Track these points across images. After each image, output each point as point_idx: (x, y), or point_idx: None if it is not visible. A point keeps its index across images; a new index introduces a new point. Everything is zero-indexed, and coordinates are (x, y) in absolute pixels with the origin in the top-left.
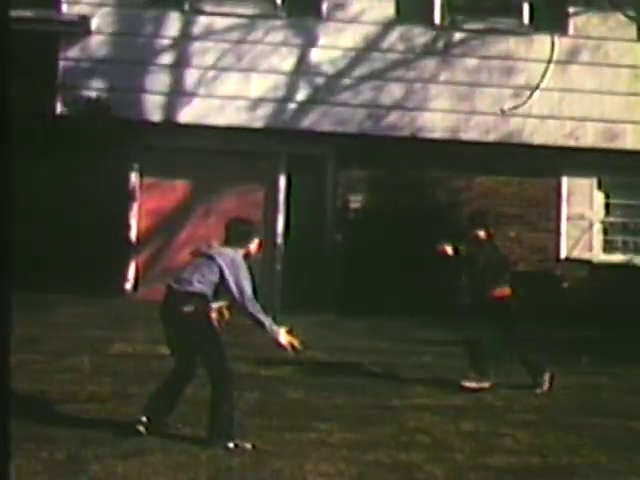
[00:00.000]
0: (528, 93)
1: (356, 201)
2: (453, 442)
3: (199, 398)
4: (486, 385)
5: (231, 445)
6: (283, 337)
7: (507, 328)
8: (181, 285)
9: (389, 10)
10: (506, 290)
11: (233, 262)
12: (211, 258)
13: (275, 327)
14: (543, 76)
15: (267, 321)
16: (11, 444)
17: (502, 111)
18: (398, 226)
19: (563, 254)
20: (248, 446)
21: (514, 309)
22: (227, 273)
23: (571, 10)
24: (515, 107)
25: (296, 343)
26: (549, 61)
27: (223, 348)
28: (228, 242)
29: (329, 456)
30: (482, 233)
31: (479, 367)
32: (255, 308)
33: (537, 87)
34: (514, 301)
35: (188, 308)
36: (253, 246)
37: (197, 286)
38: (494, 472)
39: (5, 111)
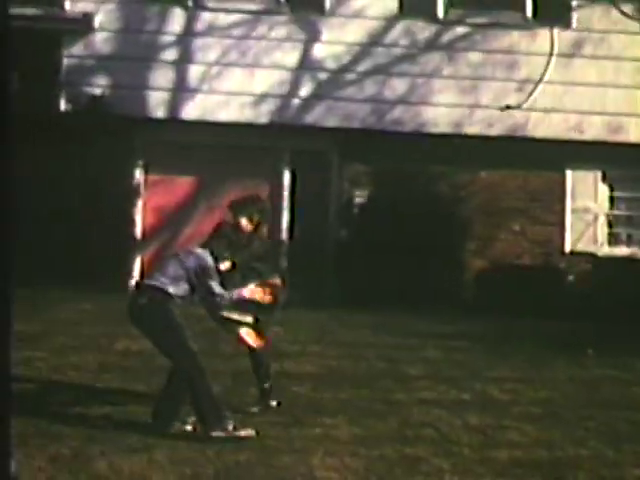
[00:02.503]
0: (531, 87)
1: (360, 196)
2: (459, 436)
3: None
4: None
5: (215, 434)
6: (245, 333)
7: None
8: (144, 280)
9: (392, 5)
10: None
11: (198, 262)
12: (177, 256)
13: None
14: (546, 70)
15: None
16: (11, 443)
17: (506, 107)
18: (402, 221)
19: (568, 247)
20: (243, 433)
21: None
22: (192, 273)
23: (574, 3)
24: (518, 105)
25: (258, 341)
26: (552, 54)
27: (183, 339)
28: (206, 244)
29: (335, 451)
30: (244, 222)
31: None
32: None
33: (540, 81)
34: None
35: (142, 300)
36: (222, 266)
37: (154, 279)
38: (500, 465)
39: (5, 111)
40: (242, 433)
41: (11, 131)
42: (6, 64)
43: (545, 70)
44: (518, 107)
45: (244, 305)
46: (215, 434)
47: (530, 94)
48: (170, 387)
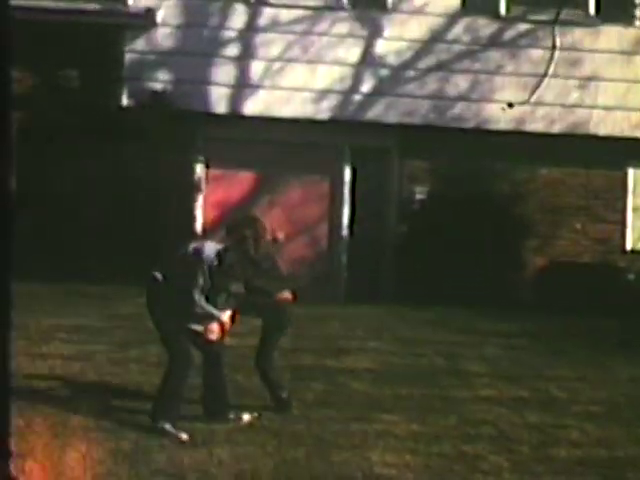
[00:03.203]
0: (594, 84)
1: (421, 192)
2: (518, 434)
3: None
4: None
5: (166, 426)
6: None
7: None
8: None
9: (454, 1)
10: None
11: (200, 253)
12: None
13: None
14: (609, 67)
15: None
16: (11, 442)
17: (508, 105)
18: (462, 217)
19: (629, 246)
20: (183, 436)
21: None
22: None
23: (638, 0)
24: (521, 102)
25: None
26: (615, 52)
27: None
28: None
29: (395, 447)
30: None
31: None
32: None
33: (603, 78)
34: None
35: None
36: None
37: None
38: (559, 464)
39: (4, 108)
40: (183, 436)
41: (8, 131)
42: (7, 64)
43: (607, 67)
44: (521, 104)
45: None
46: (160, 425)
47: (592, 91)
48: (208, 378)
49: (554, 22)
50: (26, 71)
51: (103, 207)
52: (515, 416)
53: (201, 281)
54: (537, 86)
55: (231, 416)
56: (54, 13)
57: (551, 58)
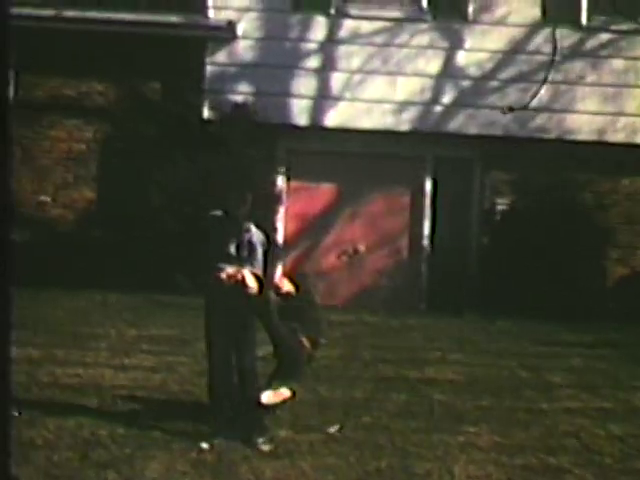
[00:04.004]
0: None
1: (502, 203)
2: (602, 445)
3: (347, 400)
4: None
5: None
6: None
7: None
8: None
9: (535, 12)
10: None
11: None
12: None
13: None
14: None
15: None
16: (11, 443)
17: (509, 109)
18: (544, 228)
19: None
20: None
21: None
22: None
23: None
24: (521, 107)
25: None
26: None
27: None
28: None
29: (478, 459)
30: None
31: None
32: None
33: None
34: None
35: None
36: None
37: None
38: None
39: (1, 109)
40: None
41: (7, 131)
42: (4, 70)
43: None
44: (522, 109)
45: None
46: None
47: None
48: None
49: (637, 32)
50: (109, 83)
51: (180, 218)
52: (599, 427)
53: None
54: (617, 96)
55: (260, 440)
56: (137, 26)
57: (632, 68)
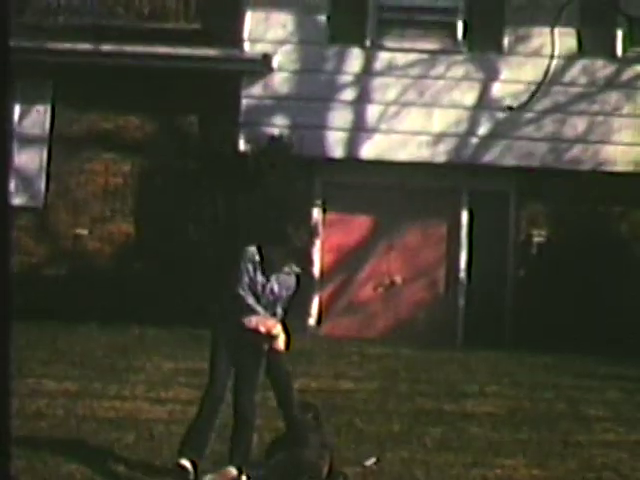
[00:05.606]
0: None
1: (539, 235)
2: None
3: (384, 433)
4: None
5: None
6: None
7: None
8: None
9: (571, 43)
10: None
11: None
12: None
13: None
14: None
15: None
16: (11, 443)
17: (508, 108)
18: (581, 260)
19: None
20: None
21: None
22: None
23: None
24: (519, 106)
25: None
26: None
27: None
28: None
29: None
30: None
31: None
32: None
33: None
34: None
35: None
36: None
37: None
38: None
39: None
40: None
41: (7, 148)
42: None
43: None
44: (519, 108)
45: None
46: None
47: None
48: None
49: None
50: (146, 117)
51: (225, 251)
52: (636, 461)
53: (246, 279)
54: None
55: None
56: (173, 59)
57: None
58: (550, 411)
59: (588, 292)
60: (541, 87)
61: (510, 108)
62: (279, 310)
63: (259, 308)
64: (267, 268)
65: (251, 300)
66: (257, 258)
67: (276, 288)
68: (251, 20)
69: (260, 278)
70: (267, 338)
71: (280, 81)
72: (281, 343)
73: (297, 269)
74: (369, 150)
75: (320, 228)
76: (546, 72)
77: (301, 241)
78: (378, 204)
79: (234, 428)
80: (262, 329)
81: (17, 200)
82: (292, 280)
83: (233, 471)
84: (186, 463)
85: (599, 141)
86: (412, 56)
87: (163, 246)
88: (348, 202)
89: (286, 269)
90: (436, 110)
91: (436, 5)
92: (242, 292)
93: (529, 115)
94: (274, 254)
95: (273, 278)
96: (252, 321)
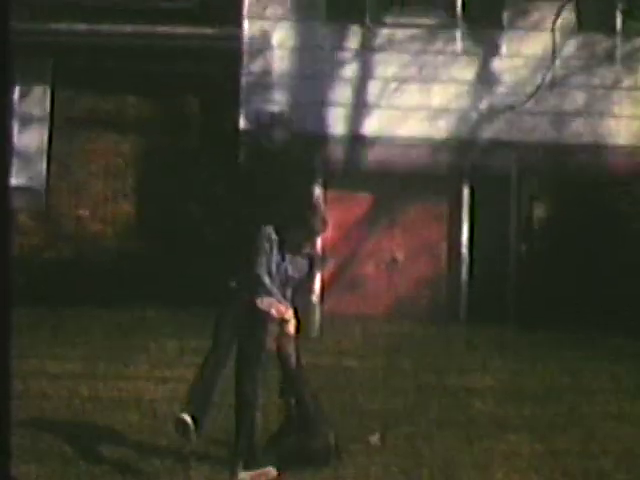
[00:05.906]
0: None
1: (540, 210)
2: None
3: (388, 409)
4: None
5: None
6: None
7: None
8: None
9: (570, 18)
10: None
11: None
12: None
13: None
14: None
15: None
16: (11, 443)
17: (509, 107)
18: (583, 235)
19: None
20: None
21: None
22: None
23: None
24: (519, 105)
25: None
26: None
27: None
28: None
29: (520, 467)
30: None
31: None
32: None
33: None
34: None
35: None
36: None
37: None
38: None
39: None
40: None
41: (6, 147)
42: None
43: None
44: (516, 108)
45: None
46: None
47: None
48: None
49: None
50: (145, 97)
51: (215, 228)
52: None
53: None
54: None
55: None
56: (172, 38)
57: None
58: (553, 385)
59: (590, 267)
60: (541, 87)
61: (512, 108)
62: (289, 292)
63: (275, 290)
64: (284, 248)
65: (267, 280)
66: (274, 237)
67: (290, 269)
68: None
69: (276, 257)
70: (279, 322)
71: (279, 58)
72: (291, 328)
73: (312, 252)
74: (369, 126)
75: (321, 205)
76: (552, 50)
77: (317, 225)
78: (379, 181)
79: (236, 410)
80: (274, 313)
81: (18, 181)
82: (305, 263)
83: (273, 471)
84: (186, 417)
85: (599, 114)
86: (411, 32)
87: (165, 226)
88: (349, 179)
89: (303, 252)
90: (436, 86)
91: None
92: (259, 271)
93: (529, 89)
94: (290, 235)
95: (287, 259)
96: (265, 303)
